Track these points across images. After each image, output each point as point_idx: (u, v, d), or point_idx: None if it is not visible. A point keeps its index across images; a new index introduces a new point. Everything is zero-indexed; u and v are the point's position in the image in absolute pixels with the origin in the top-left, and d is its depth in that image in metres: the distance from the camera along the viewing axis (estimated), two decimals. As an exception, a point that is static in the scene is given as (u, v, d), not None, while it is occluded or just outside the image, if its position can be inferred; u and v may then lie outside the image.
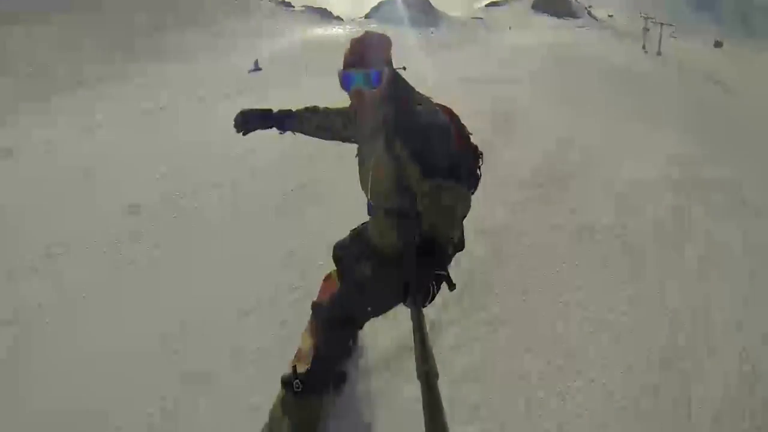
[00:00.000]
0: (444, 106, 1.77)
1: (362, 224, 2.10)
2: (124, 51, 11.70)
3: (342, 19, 22.68)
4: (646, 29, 18.76)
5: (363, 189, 1.89)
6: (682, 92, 11.10)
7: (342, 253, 2.14)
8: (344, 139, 2.06)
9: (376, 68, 1.64)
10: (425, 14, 21.67)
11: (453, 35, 19.39)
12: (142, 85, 9.16)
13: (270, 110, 2.13)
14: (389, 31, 12.05)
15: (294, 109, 2.13)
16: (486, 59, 12.78)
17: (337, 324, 1.88)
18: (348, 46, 1.72)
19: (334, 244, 2.19)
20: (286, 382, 1.99)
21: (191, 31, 14.74)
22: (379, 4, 22.98)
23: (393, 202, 1.75)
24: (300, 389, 1.94)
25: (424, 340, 1.17)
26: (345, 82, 1.67)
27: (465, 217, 1.57)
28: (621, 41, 19.13)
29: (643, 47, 17.32)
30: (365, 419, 2.12)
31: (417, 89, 1.77)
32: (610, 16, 24.75)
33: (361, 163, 1.87)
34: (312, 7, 20.97)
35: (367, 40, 1.72)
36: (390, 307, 1.88)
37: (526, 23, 25.09)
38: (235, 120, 2.10)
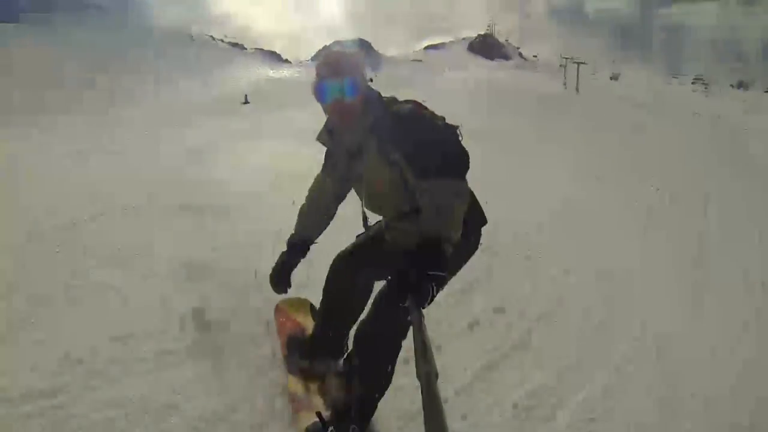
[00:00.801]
0: (412, 101, 1.73)
1: (366, 233, 2.04)
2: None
3: (290, 62, 23.75)
4: (562, 66, 21.17)
5: (360, 199, 1.88)
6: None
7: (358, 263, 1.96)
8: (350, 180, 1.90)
9: (351, 77, 1.62)
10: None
11: (395, 78, 20.78)
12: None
13: (283, 256, 2.03)
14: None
15: (295, 229, 2.04)
16: (427, 99, 14.00)
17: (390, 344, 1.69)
18: (321, 57, 1.71)
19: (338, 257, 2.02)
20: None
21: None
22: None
23: (399, 205, 1.71)
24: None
25: (424, 340, 1.19)
26: (321, 94, 1.65)
27: (465, 211, 1.52)
28: (545, 78, 21.20)
29: (564, 84, 19.30)
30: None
31: None
32: (534, 56, 27.10)
33: (350, 175, 1.83)
34: (262, 49, 21.90)
35: (339, 52, 1.75)
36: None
37: (463, 64, 27.01)
38: (276, 290, 2.06)
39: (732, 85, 33.34)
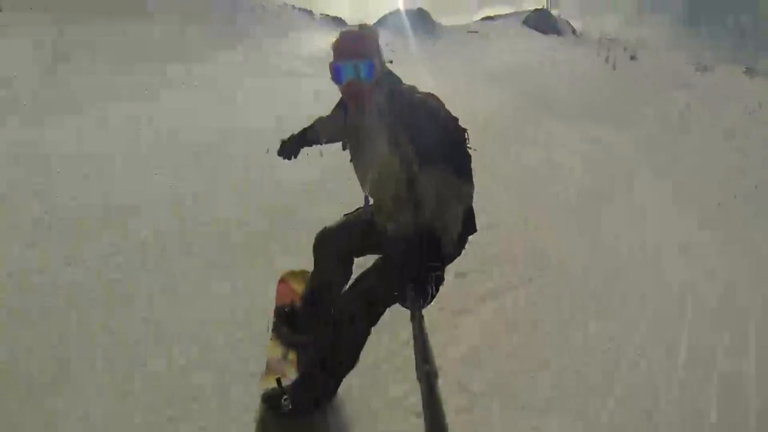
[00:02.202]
0: (430, 94, 1.72)
1: (356, 212, 2.06)
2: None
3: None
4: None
5: (362, 184, 1.92)
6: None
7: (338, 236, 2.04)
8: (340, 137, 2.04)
9: (368, 59, 1.66)
10: (425, 26, 24.73)
11: (450, 46, 22.56)
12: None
13: (295, 135, 2.27)
14: (398, 41, 15.62)
15: (313, 124, 2.27)
16: (480, 64, 16.16)
17: (374, 311, 1.70)
18: (337, 38, 1.73)
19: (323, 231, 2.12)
20: (270, 400, 1.78)
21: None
22: (386, 15, 25.98)
23: (400, 192, 1.73)
24: (288, 408, 1.71)
25: (423, 340, 1.22)
26: (337, 75, 1.67)
27: (465, 208, 1.54)
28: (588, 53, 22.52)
29: (606, 59, 20.72)
30: (351, 419, 1.99)
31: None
32: (573, 31, 28.01)
33: (356, 158, 1.89)
34: (329, 15, 24.13)
35: (357, 32, 1.74)
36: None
37: (517, 37, 28.14)
38: (280, 153, 2.28)
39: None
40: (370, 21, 28.41)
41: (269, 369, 1.98)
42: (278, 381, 1.80)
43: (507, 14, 32.09)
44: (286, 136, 2.32)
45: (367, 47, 1.70)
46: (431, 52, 20.04)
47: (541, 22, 29.19)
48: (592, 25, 31.29)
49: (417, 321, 1.30)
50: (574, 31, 29.38)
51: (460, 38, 24.95)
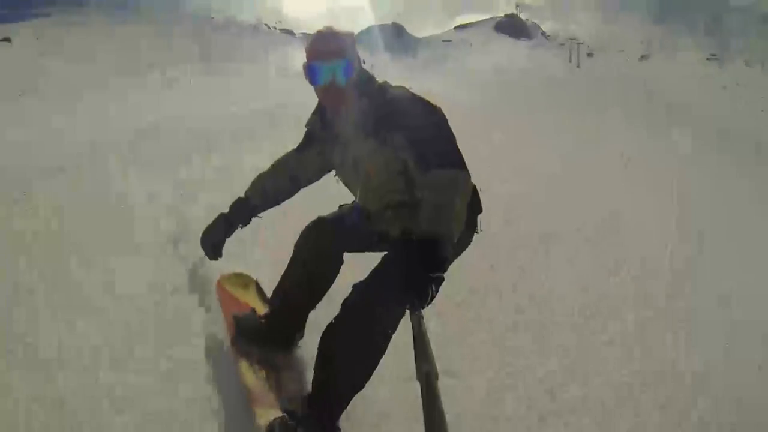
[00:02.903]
0: (401, 87, 1.70)
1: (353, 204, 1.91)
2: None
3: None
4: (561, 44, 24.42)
5: (352, 191, 1.82)
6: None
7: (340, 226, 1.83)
8: (324, 171, 1.90)
9: (345, 59, 1.57)
10: (402, 40, 25.65)
11: (427, 59, 23.50)
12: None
13: (221, 216, 1.92)
14: (375, 58, 16.34)
15: (245, 192, 1.93)
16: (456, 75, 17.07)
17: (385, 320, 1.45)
18: (312, 37, 1.65)
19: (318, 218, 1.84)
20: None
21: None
22: (361, 31, 26.72)
23: (395, 194, 1.64)
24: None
25: (423, 341, 1.19)
26: (313, 76, 1.59)
27: (466, 205, 1.44)
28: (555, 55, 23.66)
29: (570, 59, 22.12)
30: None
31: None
32: (543, 34, 29.23)
33: (342, 167, 1.77)
34: (307, 33, 25.01)
35: (332, 31, 1.65)
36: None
37: (489, 43, 29.22)
38: (207, 252, 1.93)
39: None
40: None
41: (256, 401, 1.66)
42: (286, 411, 1.58)
43: (479, 21, 33.28)
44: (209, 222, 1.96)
45: (343, 46, 1.63)
46: (411, 65, 20.99)
47: (512, 27, 30.33)
48: (560, 26, 32.43)
49: (417, 321, 1.27)
50: (543, 33, 30.57)
51: (437, 50, 25.90)
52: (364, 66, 1.70)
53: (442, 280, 1.34)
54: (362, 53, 1.67)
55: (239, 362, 1.83)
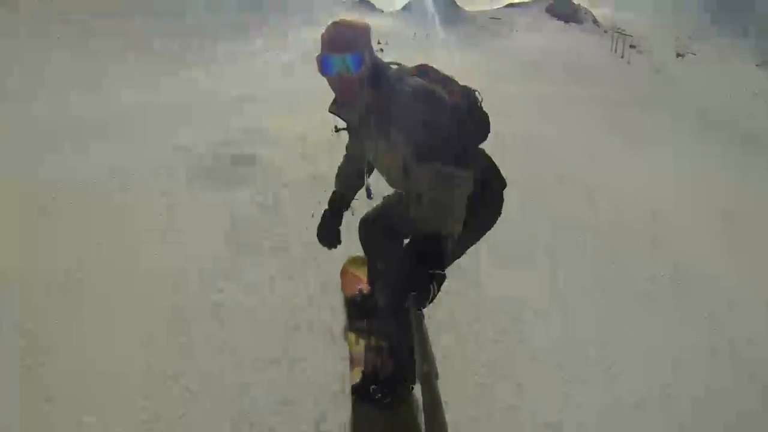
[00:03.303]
0: (420, 65, 1.74)
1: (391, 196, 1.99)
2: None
3: (383, 11, 27.17)
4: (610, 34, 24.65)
5: (380, 171, 1.88)
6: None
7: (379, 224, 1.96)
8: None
9: (356, 52, 1.60)
10: (450, 11, 25.91)
11: (475, 34, 23.84)
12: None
13: (326, 212, 2.10)
14: (419, 29, 17.45)
15: (335, 187, 2.09)
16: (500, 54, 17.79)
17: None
18: (327, 29, 1.65)
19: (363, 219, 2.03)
20: (360, 391, 1.75)
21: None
22: (411, 1, 27.00)
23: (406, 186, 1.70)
24: (384, 396, 1.70)
25: (424, 340, 1.23)
26: (324, 67, 1.62)
27: (466, 203, 1.40)
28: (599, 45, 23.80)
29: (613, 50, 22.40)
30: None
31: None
32: (594, 21, 28.99)
33: (369, 154, 1.84)
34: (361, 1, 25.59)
35: (345, 24, 1.67)
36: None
37: (538, 25, 29.14)
38: (326, 245, 2.10)
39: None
40: (397, 7, 29.63)
41: (354, 362, 1.97)
42: (363, 374, 1.79)
43: (530, 1, 32.86)
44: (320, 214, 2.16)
45: (357, 40, 1.63)
46: (457, 36, 21.47)
47: (563, 10, 30.08)
48: (613, 14, 31.91)
49: (417, 321, 1.27)
50: (594, 21, 30.24)
51: (485, 26, 26.10)
52: (380, 54, 1.76)
53: (444, 277, 1.33)
54: (412, 24, 1.96)
55: (348, 333, 2.24)
